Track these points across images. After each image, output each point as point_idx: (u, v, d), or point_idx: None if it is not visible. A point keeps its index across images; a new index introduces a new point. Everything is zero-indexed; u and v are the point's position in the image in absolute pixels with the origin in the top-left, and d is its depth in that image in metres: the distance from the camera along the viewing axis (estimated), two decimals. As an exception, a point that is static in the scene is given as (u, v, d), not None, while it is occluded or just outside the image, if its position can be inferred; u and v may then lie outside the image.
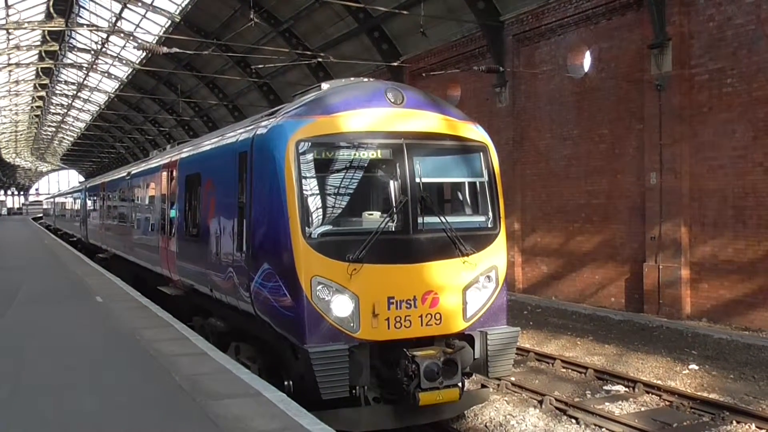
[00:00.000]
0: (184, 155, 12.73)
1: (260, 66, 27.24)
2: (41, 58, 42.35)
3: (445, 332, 7.94)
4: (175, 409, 6.36)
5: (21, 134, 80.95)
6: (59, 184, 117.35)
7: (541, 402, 9.89)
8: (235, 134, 9.72)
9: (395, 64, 22.05)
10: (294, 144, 7.67)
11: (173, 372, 7.61)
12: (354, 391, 7.57)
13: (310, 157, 7.80)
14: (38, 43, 40.04)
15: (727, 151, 14.58)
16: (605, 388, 11.08)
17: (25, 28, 34.89)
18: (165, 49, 15.50)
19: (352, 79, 9.20)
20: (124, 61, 43.01)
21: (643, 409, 10.04)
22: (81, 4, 35.24)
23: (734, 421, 9.18)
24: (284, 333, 7.79)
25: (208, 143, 11.50)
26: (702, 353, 12.81)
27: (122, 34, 36.14)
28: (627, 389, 10.89)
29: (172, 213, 12.87)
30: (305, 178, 7.69)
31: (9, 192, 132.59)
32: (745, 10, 14.24)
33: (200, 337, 9.95)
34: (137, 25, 35.82)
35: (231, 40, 28.17)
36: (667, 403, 10.18)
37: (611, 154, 17.41)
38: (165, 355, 8.44)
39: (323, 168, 7.94)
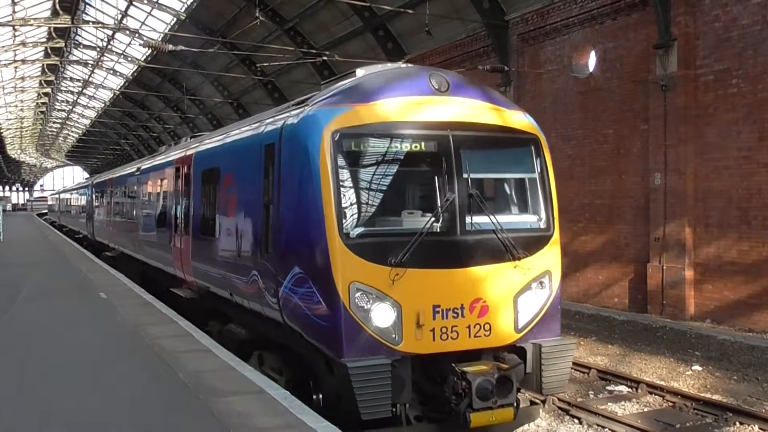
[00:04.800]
0: (200, 149, 12.01)
1: (265, 64, 27.23)
2: (47, 55, 42.52)
3: (494, 344, 7.25)
4: (178, 406, 6.38)
5: (26, 130, 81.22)
6: (64, 181, 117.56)
7: (544, 402, 9.88)
8: (260, 125, 8.98)
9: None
10: (330, 135, 6.93)
11: (177, 369, 7.63)
12: (394, 410, 6.88)
13: (347, 149, 7.06)
14: (44, 39, 40.18)
15: (732, 151, 14.55)
16: (608, 388, 11.08)
17: (31, 25, 35.00)
18: (170, 47, 15.51)
19: (388, 65, 8.48)
20: (129, 59, 43.10)
21: (646, 409, 10.04)
22: (87, 1, 35.30)
23: (737, 423, 9.17)
24: (317, 344, 7.10)
25: (228, 136, 10.72)
26: (705, 354, 12.79)
27: (128, 32, 36.24)
28: (630, 390, 10.89)
29: (187, 210, 12.21)
30: (342, 172, 6.94)
31: (14, 188, 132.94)
32: (751, 11, 14.21)
33: (204, 334, 9.92)
34: (143, 23, 35.94)
35: (236, 38, 28.22)
36: (671, 403, 10.17)
37: (616, 154, 17.39)
38: (169, 352, 8.45)
39: (362, 162, 7.22)
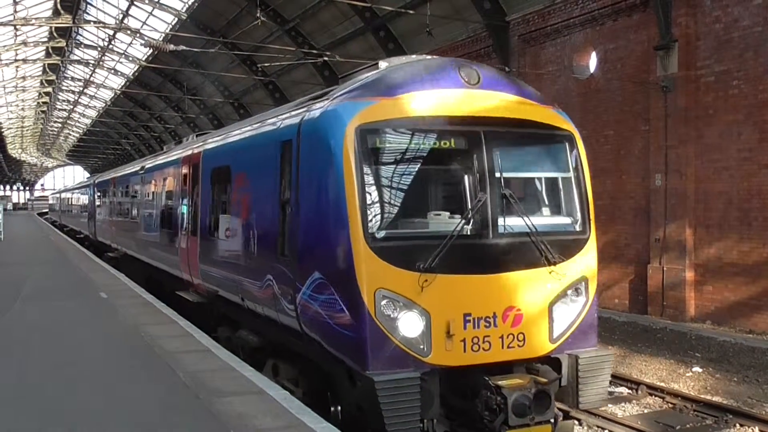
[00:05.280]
0: (208, 146, 11.53)
1: (266, 64, 27.28)
2: (48, 55, 42.50)
3: (528, 356, 6.84)
4: (178, 406, 6.38)
5: (27, 130, 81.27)
6: (65, 180, 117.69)
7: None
8: (276, 121, 8.51)
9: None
10: (354, 130, 6.50)
11: (177, 369, 7.62)
12: (422, 425, 6.45)
13: (372, 145, 6.64)
14: (45, 39, 40.19)
15: (732, 153, 14.55)
16: (608, 389, 11.06)
17: (32, 25, 35.01)
18: (171, 47, 15.53)
19: (413, 56, 8.00)
20: (130, 58, 43.11)
21: (646, 411, 10.04)
22: (88, 0, 35.35)
23: (737, 424, 9.17)
24: (339, 355, 6.67)
25: (240, 132, 10.21)
26: (706, 356, 12.79)
27: (129, 31, 36.25)
28: (630, 391, 10.88)
29: (195, 211, 11.72)
30: (366, 170, 6.51)
31: (14, 187, 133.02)
32: (752, 12, 14.21)
33: (204, 334, 9.88)
34: (144, 23, 35.96)
35: (237, 38, 28.23)
36: (671, 405, 10.17)
37: (616, 155, 17.38)
38: (169, 352, 8.45)
39: (387, 159, 6.80)
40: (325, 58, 23.33)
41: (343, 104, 6.88)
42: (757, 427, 9.05)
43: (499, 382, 6.47)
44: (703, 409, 9.80)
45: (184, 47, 16.90)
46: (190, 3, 31.28)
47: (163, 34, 32.34)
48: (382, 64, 7.62)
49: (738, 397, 10.45)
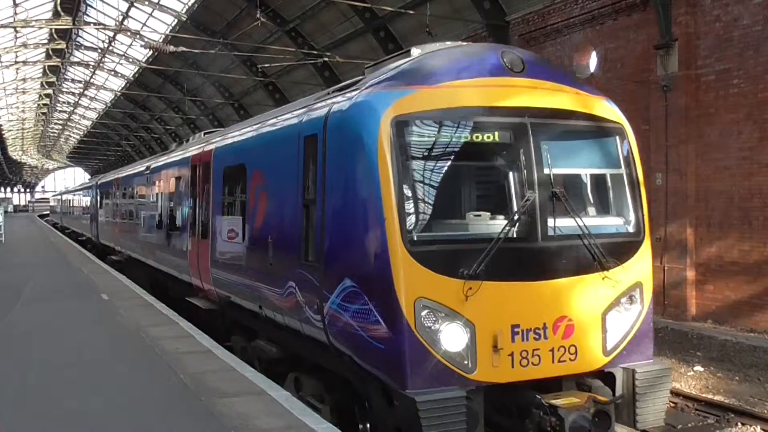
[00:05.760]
0: (221, 144, 10.95)
1: (266, 65, 27.30)
2: (48, 56, 42.54)
3: (581, 370, 6.30)
4: (180, 407, 6.38)
5: (28, 132, 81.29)
6: (65, 182, 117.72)
7: None
8: (297, 115, 7.92)
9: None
10: (390, 122, 5.94)
11: (178, 370, 7.62)
12: None
13: (410, 139, 6.08)
14: (45, 41, 40.21)
15: (733, 152, 14.54)
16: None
17: (32, 26, 35.02)
18: (171, 48, 15.56)
19: (447, 43, 7.37)
20: (130, 60, 43.12)
21: (647, 410, 10.01)
22: (88, 2, 35.39)
23: (739, 423, 9.16)
24: (373, 371, 6.14)
25: (256, 129, 9.58)
26: (707, 355, 12.78)
27: (129, 33, 36.25)
28: (631, 390, 10.85)
29: (206, 212, 11.12)
30: (404, 166, 5.95)
31: (15, 189, 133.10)
32: (752, 11, 14.20)
33: (205, 335, 9.85)
34: (144, 24, 35.98)
35: (237, 39, 28.22)
36: (672, 404, 10.15)
37: (617, 154, 17.36)
38: (170, 353, 8.44)
39: (427, 154, 6.24)
40: (325, 59, 23.33)
41: (376, 94, 6.31)
42: (758, 426, 9.04)
43: (554, 401, 5.92)
44: (704, 408, 9.80)
45: (184, 48, 16.94)
46: (189, 4, 31.30)
47: (163, 36, 32.33)
48: (415, 51, 7.02)
49: (739, 396, 10.44)
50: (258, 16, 19.87)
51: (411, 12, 21.11)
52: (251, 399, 6.53)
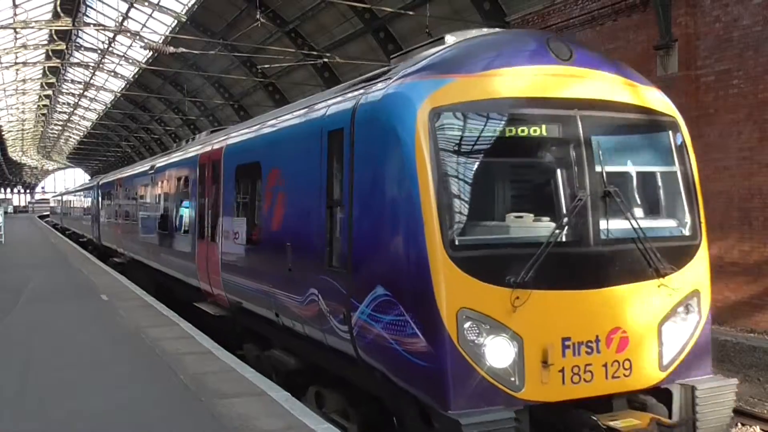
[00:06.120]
0: (231, 141, 10.32)
1: (266, 66, 27.31)
2: (48, 57, 42.58)
3: (635, 387, 5.75)
4: (180, 408, 6.38)
5: (27, 132, 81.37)
6: (65, 183, 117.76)
7: None
8: (319, 108, 7.32)
9: (401, 64, 22.04)
10: (428, 114, 5.42)
11: (178, 371, 7.63)
12: None
13: (450, 133, 5.54)
14: (45, 42, 40.23)
15: (733, 152, 14.54)
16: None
17: (32, 27, 35.04)
18: (171, 49, 15.57)
19: (484, 30, 6.91)
20: (130, 61, 43.16)
21: (647, 410, 10.01)
22: (88, 3, 35.45)
23: (739, 424, 9.17)
24: (410, 388, 5.60)
25: (272, 124, 8.99)
26: (707, 355, 12.77)
27: (129, 34, 36.25)
28: (631, 391, 10.84)
29: (215, 213, 10.53)
30: (444, 162, 5.43)
31: (15, 190, 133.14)
32: (752, 12, 14.20)
33: (205, 335, 9.84)
34: (144, 25, 36.00)
35: (237, 40, 28.22)
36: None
37: (617, 155, 17.37)
38: (170, 354, 8.45)
39: (467, 149, 5.69)
40: (325, 60, 23.34)
41: (410, 84, 5.76)
42: (758, 427, 9.05)
43: (612, 423, 5.45)
44: (704, 408, 9.77)
45: (184, 49, 16.96)
46: (189, 5, 31.33)
47: (163, 37, 32.34)
48: (450, 39, 6.46)
49: (739, 397, 10.40)
50: (258, 16, 19.88)
51: (411, 13, 21.12)
52: (251, 400, 6.53)
